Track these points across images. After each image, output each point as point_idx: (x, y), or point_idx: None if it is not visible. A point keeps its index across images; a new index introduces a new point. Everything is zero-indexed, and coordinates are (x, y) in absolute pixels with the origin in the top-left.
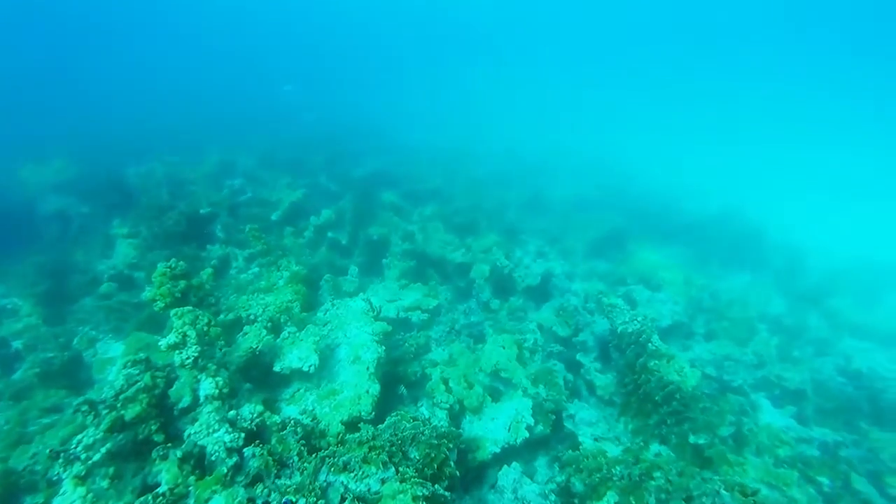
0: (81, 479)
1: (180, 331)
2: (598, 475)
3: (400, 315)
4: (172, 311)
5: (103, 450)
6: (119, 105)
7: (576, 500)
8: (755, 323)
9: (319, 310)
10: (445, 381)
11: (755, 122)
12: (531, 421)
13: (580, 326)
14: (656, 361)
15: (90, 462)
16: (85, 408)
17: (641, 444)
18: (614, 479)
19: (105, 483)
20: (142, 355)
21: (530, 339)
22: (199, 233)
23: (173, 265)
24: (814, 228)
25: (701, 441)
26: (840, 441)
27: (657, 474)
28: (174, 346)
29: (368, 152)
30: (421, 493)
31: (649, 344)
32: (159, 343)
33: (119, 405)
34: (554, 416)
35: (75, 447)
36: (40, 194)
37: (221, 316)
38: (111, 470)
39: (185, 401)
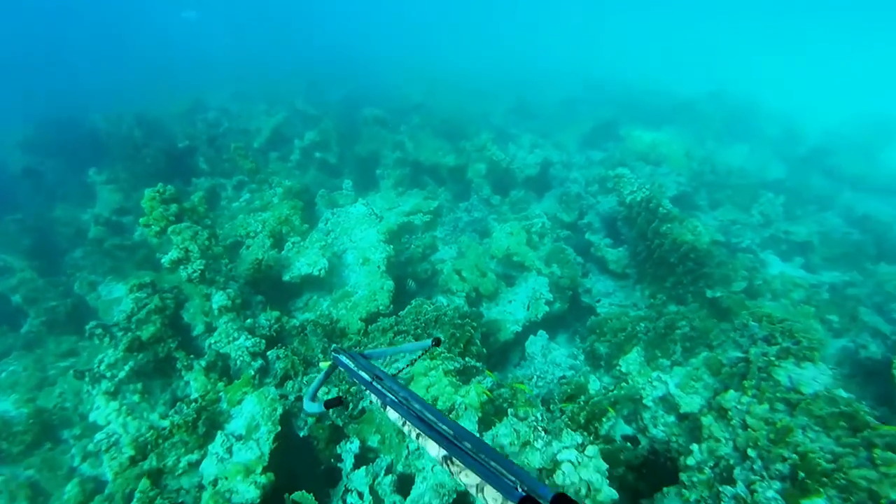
0: (112, 395)
1: (181, 246)
2: (622, 334)
3: (402, 220)
4: (170, 229)
5: (126, 368)
6: (72, 59)
7: (602, 362)
8: (757, 188)
9: (319, 221)
10: (458, 272)
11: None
12: (549, 297)
13: (584, 210)
14: (668, 225)
15: (116, 379)
16: (99, 331)
17: (661, 303)
18: (639, 335)
19: (136, 398)
20: (147, 279)
21: (538, 224)
22: (181, 167)
23: (161, 189)
24: (806, 95)
25: (718, 294)
26: (848, 281)
27: (682, 323)
28: (178, 262)
29: (345, 78)
30: (452, 367)
31: (660, 208)
32: (162, 260)
33: (133, 327)
34: (570, 293)
35: (98, 366)
36: (6, 154)
37: (220, 241)
38: (139, 386)
39: (199, 322)
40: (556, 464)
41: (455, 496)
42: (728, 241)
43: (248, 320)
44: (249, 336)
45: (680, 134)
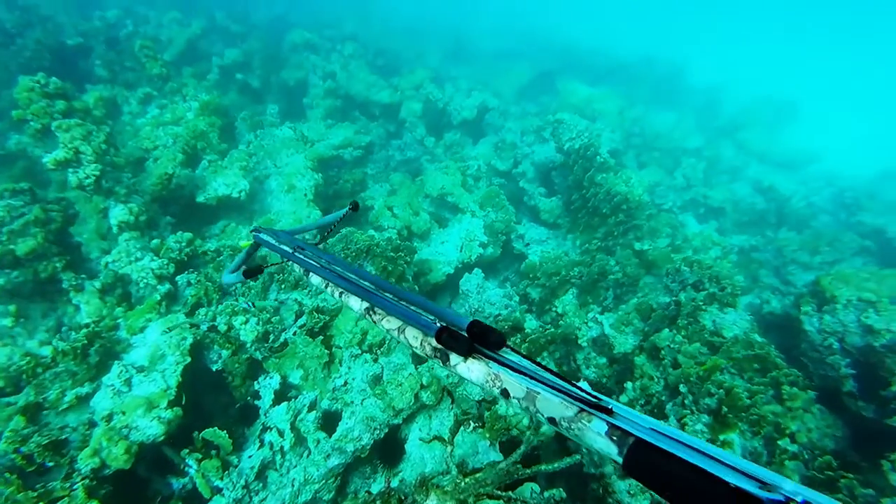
0: None
1: (69, 146)
2: (556, 279)
3: (331, 153)
4: (54, 125)
5: None
6: None
7: (534, 307)
8: (680, 153)
9: (241, 143)
10: (390, 209)
11: None
12: (484, 238)
13: (518, 159)
14: (603, 175)
15: None
16: None
17: (595, 249)
18: (572, 280)
19: (8, 321)
20: (24, 185)
21: (473, 167)
22: (72, 71)
23: (42, 80)
24: (728, 70)
25: (646, 247)
26: (755, 245)
27: (615, 269)
28: (64, 164)
29: None
30: None
31: (598, 157)
32: (44, 160)
33: (5, 239)
34: (504, 237)
35: None
36: None
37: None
38: (12, 308)
39: (93, 246)
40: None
41: (387, 430)
42: (652, 201)
43: (155, 241)
44: (155, 258)
45: (615, 93)
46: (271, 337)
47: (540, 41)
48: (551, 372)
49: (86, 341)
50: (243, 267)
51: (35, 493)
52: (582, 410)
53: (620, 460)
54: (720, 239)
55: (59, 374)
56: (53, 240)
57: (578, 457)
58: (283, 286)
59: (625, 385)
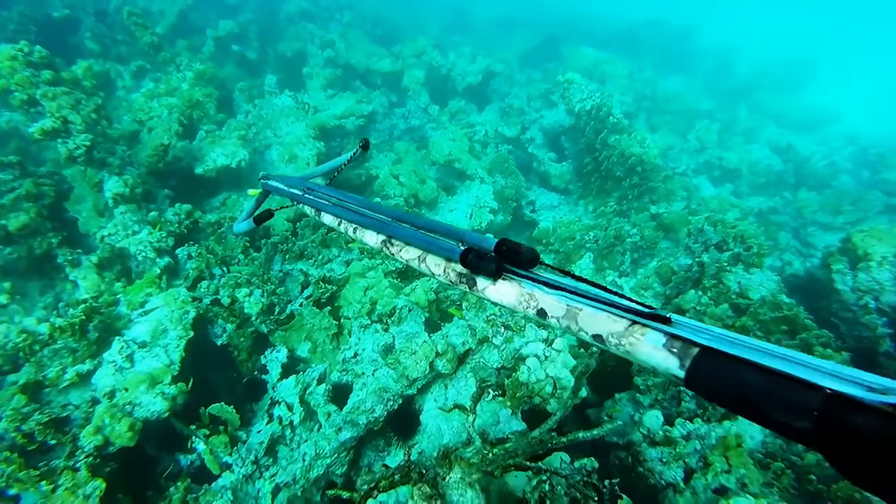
0: None
1: (57, 115)
2: (571, 243)
3: (333, 123)
4: (39, 93)
5: None
6: None
7: None
8: (693, 116)
9: (239, 113)
10: (396, 177)
11: None
12: (494, 205)
13: (526, 125)
14: (617, 136)
15: None
16: None
17: (612, 212)
18: (588, 244)
19: (3, 298)
20: (13, 158)
21: (480, 132)
22: (61, 44)
23: (26, 49)
24: (740, 32)
25: (661, 210)
26: (773, 206)
27: (633, 232)
28: (52, 133)
29: None
30: (395, 267)
31: (610, 117)
32: (30, 130)
33: None
34: (514, 204)
35: None
36: None
37: (114, 128)
38: (6, 285)
39: (91, 221)
40: (518, 360)
41: (401, 401)
42: (665, 165)
43: (153, 213)
44: (153, 231)
45: (623, 56)
46: (276, 309)
47: (541, 8)
48: (595, 285)
49: (84, 317)
50: (255, 213)
51: (37, 472)
52: (634, 323)
53: (682, 374)
54: (737, 201)
55: (59, 352)
56: (47, 215)
57: (620, 422)
58: (287, 256)
59: None
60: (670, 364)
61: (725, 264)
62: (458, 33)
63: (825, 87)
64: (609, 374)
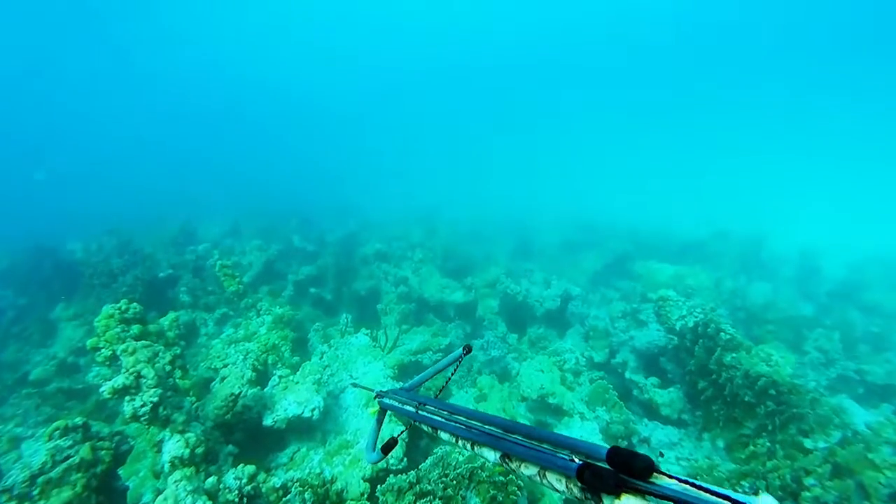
0: None
1: (132, 370)
2: None
3: (410, 359)
4: (120, 348)
5: None
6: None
7: None
8: (799, 324)
9: (314, 355)
10: None
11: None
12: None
13: (615, 347)
14: (734, 355)
15: None
16: None
17: (765, 452)
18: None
19: None
20: (78, 420)
21: (570, 360)
22: (160, 299)
23: (123, 307)
24: (812, 234)
25: (821, 444)
26: None
27: (809, 481)
28: (122, 391)
29: (340, 217)
30: None
31: (721, 333)
32: (101, 389)
33: (36, 493)
34: (625, 442)
35: None
36: None
37: (189, 376)
38: None
39: (147, 488)
40: None
41: None
42: (806, 385)
43: (211, 479)
44: (209, 502)
45: (703, 268)
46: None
47: (602, 230)
48: (717, 494)
49: None
50: (379, 441)
51: None
52: None
53: None
54: None
55: None
56: (96, 486)
57: None
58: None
59: None
60: None
61: None
62: (525, 260)
63: None
64: None
